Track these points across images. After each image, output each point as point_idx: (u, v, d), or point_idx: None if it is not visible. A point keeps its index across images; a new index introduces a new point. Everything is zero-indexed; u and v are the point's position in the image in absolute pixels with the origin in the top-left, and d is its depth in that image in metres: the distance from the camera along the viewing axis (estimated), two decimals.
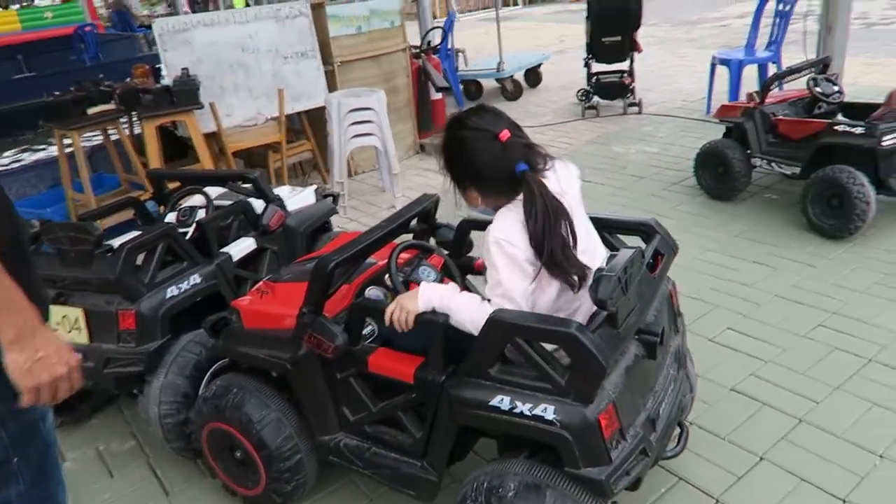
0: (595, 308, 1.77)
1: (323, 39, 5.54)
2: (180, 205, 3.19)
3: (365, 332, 2.11)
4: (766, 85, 4.37)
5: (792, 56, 5.83)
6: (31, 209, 4.53)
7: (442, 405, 1.85)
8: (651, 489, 2.23)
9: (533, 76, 8.58)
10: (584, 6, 6.84)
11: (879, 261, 3.53)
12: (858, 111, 4.00)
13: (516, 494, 1.69)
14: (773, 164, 4.18)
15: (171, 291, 2.53)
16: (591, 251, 1.88)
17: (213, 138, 5.12)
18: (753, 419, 2.56)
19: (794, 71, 4.38)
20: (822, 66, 4.37)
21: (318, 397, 2.12)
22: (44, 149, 6.61)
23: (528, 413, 1.68)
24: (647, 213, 4.23)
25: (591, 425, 1.63)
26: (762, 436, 2.46)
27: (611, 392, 1.67)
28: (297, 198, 3.29)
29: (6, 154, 6.89)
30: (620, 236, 2.28)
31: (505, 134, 1.76)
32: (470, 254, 2.53)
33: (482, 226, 2.11)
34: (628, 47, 6.62)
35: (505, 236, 1.74)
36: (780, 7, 6.05)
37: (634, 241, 2.20)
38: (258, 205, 3.05)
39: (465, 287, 2.37)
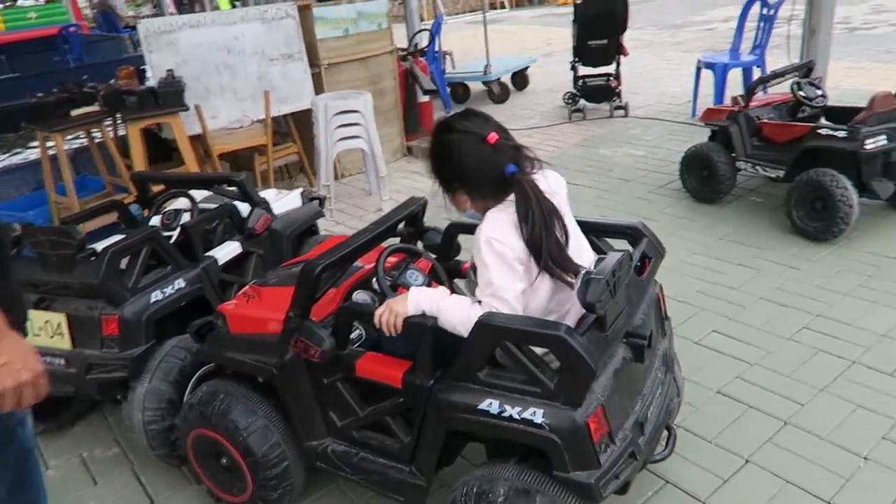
0: (583, 311, 1.78)
1: (310, 41, 5.52)
2: (165, 208, 3.16)
3: (352, 336, 2.10)
4: (750, 89, 4.41)
5: (776, 60, 5.89)
6: (13, 212, 4.46)
7: (430, 409, 1.84)
8: (638, 493, 2.23)
9: (520, 79, 8.60)
10: (570, 9, 6.87)
11: (863, 263, 3.57)
12: (841, 115, 4.05)
13: (506, 500, 1.69)
14: (757, 167, 4.21)
15: (156, 296, 2.50)
16: (578, 252, 1.89)
17: (198, 141, 5.08)
18: (739, 422, 2.57)
19: (779, 75, 4.43)
20: (805, 70, 4.42)
21: (304, 402, 2.10)
22: (24, 151, 6.53)
23: (517, 417, 1.68)
24: (634, 215, 4.27)
25: (580, 429, 1.62)
26: (748, 438, 2.47)
27: (599, 395, 1.67)
28: (283, 201, 3.27)
29: None
30: (608, 240, 2.29)
31: (493, 136, 1.78)
32: (457, 257, 2.52)
33: (470, 229, 2.11)
34: (614, 51, 6.66)
35: (496, 235, 1.74)
36: (765, 11, 6.11)
37: (622, 245, 2.21)
38: (244, 208, 3.03)
39: (453, 291, 2.37)
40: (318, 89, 5.55)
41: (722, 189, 4.41)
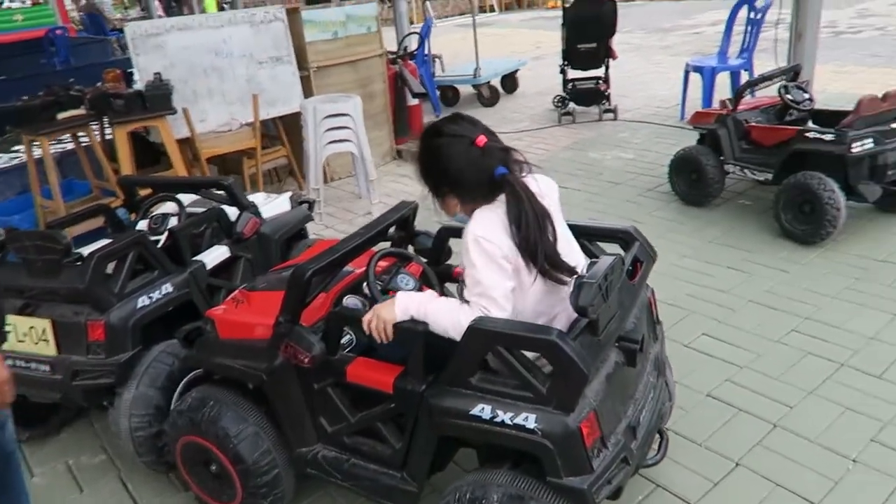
0: (575, 314, 1.78)
1: (298, 44, 5.50)
2: (152, 212, 3.14)
3: (343, 341, 2.09)
4: (738, 92, 4.44)
5: (763, 63, 5.94)
6: None
7: (422, 415, 1.83)
8: (629, 497, 2.23)
9: (509, 82, 8.61)
10: (559, 13, 6.89)
11: (850, 266, 3.59)
12: (828, 118, 4.08)
13: None
14: (745, 170, 4.23)
15: (143, 301, 2.47)
16: (568, 255, 1.89)
17: (186, 144, 5.05)
18: (729, 425, 2.58)
19: (766, 78, 4.46)
20: (792, 73, 4.46)
21: (295, 408, 2.08)
22: (9, 155, 6.45)
23: (509, 422, 1.67)
24: (623, 219, 4.28)
25: (573, 434, 1.62)
26: (738, 441, 2.48)
27: (592, 400, 1.67)
28: (272, 205, 3.26)
29: None
30: (600, 243, 2.29)
31: (482, 139, 1.78)
32: (449, 262, 2.51)
33: (460, 233, 2.09)
34: (603, 54, 6.69)
35: (483, 233, 1.73)
36: (752, 15, 6.16)
37: (613, 249, 2.21)
38: (232, 212, 3.01)
39: (444, 295, 2.36)
40: (307, 92, 5.53)
41: (711, 192, 4.43)
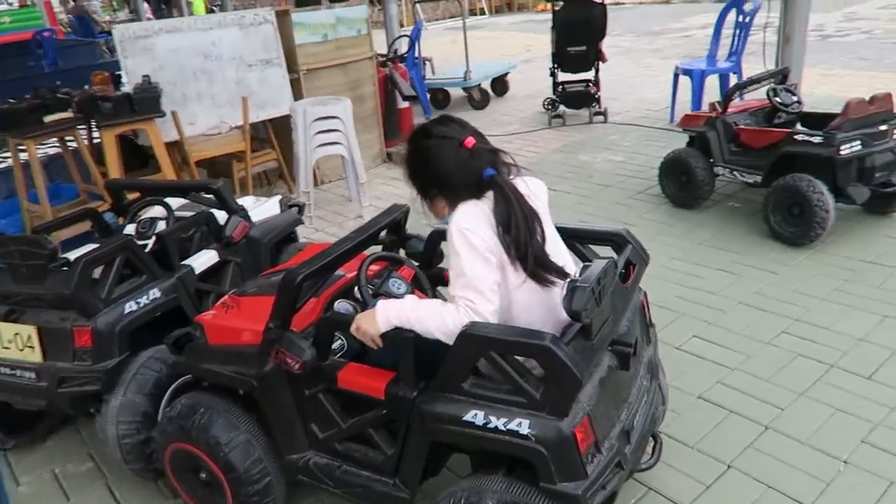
0: (565, 317, 1.77)
1: (288, 47, 5.48)
2: (140, 216, 3.11)
3: (334, 346, 2.07)
4: (727, 95, 4.46)
5: (752, 66, 5.97)
6: None
7: (414, 421, 1.82)
8: (622, 500, 2.22)
9: (500, 85, 8.62)
10: (549, 16, 6.90)
11: (839, 267, 3.61)
12: (817, 121, 4.10)
13: None
14: (735, 172, 4.25)
15: (130, 306, 2.44)
16: (555, 256, 1.88)
17: (175, 147, 5.01)
18: (720, 427, 2.58)
19: (755, 81, 4.48)
20: (781, 76, 4.48)
21: (285, 415, 2.06)
22: None
23: (502, 428, 1.66)
24: (614, 221, 4.28)
25: (567, 439, 1.61)
26: (729, 444, 2.48)
27: (585, 405, 1.66)
28: (262, 208, 3.24)
29: None
30: (592, 247, 2.28)
31: (470, 141, 1.78)
32: (441, 265, 2.50)
33: None
34: (593, 57, 6.70)
35: (468, 225, 1.72)
36: (741, 19, 6.20)
37: (605, 252, 2.21)
38: (221, 216, 2.98)
39: (436, 298, 2.34)
40: (297, 95, 5.51)
41: (700, 194, 4.44)
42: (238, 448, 2.06)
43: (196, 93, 5.14)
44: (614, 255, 2.07)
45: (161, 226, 2.96)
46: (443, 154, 1.79)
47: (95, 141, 5.11)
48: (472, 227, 1.72)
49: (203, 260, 2.83)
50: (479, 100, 8.07)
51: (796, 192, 3.73)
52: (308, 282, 1.96)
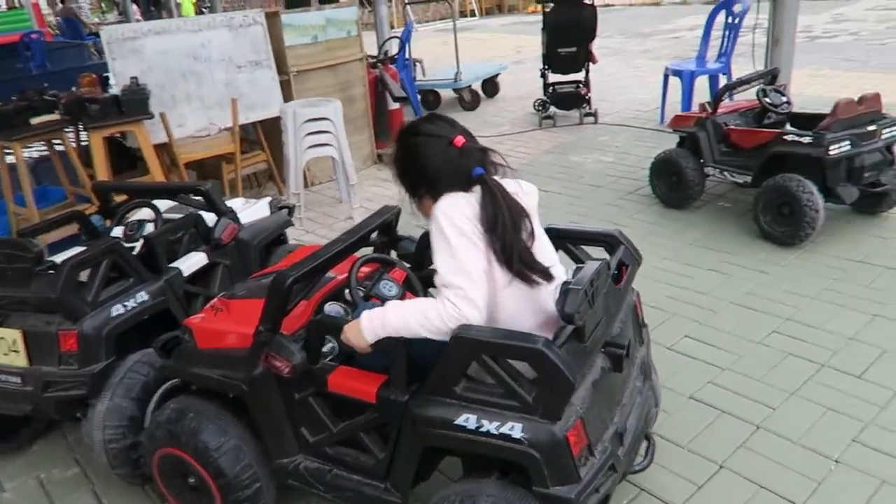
0: (552, 317, 1.76)
1: (278, 48, 5.45)
2: (127, 218, 3.08)
3: (325, 349, 2.05)
4: (717, 96, 4.47)
5: (741, 67, 5.99)
6: None
7: (406, 425, 1.80)
8: (614, 502, 2.21)
9: (490, 86, 8.63)
10: (539, 17, 6.91)
11: (829, 267, 3.63)
12: (806, 121, 4.12)
13: None
14: (725, 172, 4.26)
15: (117, 310, 2.41)
16: (542, 256, 1.86)
17: (164, 149, 4.98)
18: (712, 427, 2.57)
19: (744, 82, 4.49)
20: (770, 77, 4.50)
21: (275, 419, 2.04)
22: None
23: (494, 432, 1.65)
24: (604, 222, 4.29)
25: (560, 443, 1.60)
26: (721, 443, 2.48)
27: (578, 408, 1.65)
28: (251, 210, 3.21)
29: None
30: (584, 247, 2.27)
31: (460, 140, 1.77)
32: (432, 266, 2.48)
33: None
34: (583, 58, 6.71)
35: (453, 212, 1.69)
36: (730, 20, 6.22)
37: (597, 253, 2.20)
38: (210, 218, 2.95)
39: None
40: (287, 97, 5.48)
41: (691, 195, 4.45)
42: (228, 453, 2.03)
43: (185, 94, 5.10)
44: (607, 256, 2.06)
45: (149, 228, 2.93)
46: (431, 152, 1.78)
47: (83, 143, 5.06)
48: (456, 212, 1.69)
49: (192, 262, 2.80)
50: (469, 101, 8.07)
51: (786, 192, 3.75)
52: (298, 284, 1.94)
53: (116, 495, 2.52)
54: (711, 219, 4.37)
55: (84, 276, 2.46)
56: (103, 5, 18.88)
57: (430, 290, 2.43)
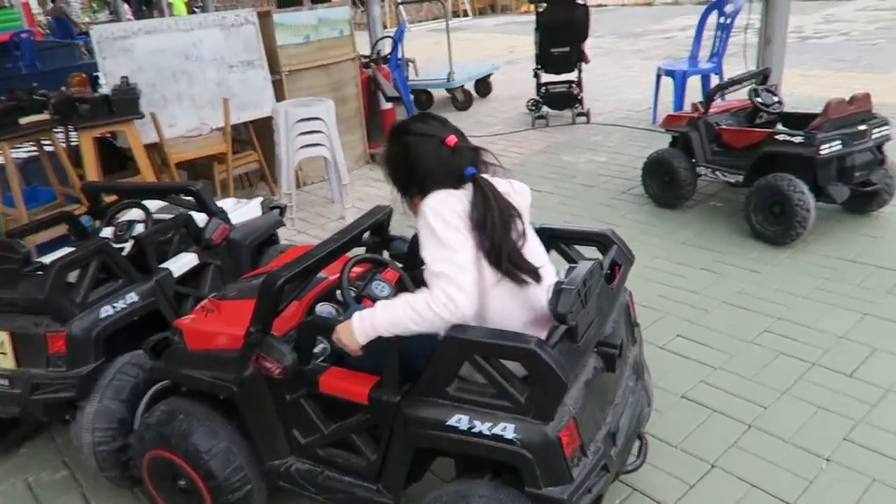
0: (543, 315, 1.76)
1: (270, 48, 5.42)
2: (117, 219, 3.05)
3: (316, 350, 2.03)
4: (709, 95, 4.48)
5: (733, 67, 6.01)
6: None
7: (397, 426, 1.79)
8: (607, 502, 2.21)
9: (483, 86, 8.63)
10: (532, 18, 6.92)
11: (820, 266, 3.64)
12: (797, 121, 4.14)
13: None
14: (717, 172, 4.27)
15: (106, 311, 2.39)
16: (531, 257, 1.85)
17: (154, 149, 4.94)
18: (704, 426, 2.58)
19: (736, 82, 4.51)
20: (762, 77, 4.51)
21: (266, 420, 2.03)
22: None
23: (487, 432, 1.64)
24: (597, 221, 4.29)
25: (552, 443, 1.59)
26: (713, 443, 2.48)
27: (571, 408, 1.64)
28: (242, 210, 3.19)
29: None
30: (577, 247, 2.27)
31: (452, 139, 1.76)
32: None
33: None
34: (576, 58, 6.73)
35: (441, 206, 1.68)
36: (722, 20, 6.24)
37: (590, 252, 2.20)
38: (201, 218, 2.94)
39: None
40: (279, 96, 5.46)
41: (683, 194, 4.46)
42: (218, 455, 2.02)
43: (176, 94, 5.07)
44: (599, 256, 2.06)
45: (139, 229, 2.91)
46: (423, 152, 1.77)
47: (73, 143, 5.03)
48: (446, 206, 1.68)
49: (182, 263, 2.78)
50: (462, 101, 8.07)
51: (777, 191, 3.76)
52: (289, 285, 1.93)
53: (105, 498, 2.50)
54: (703, 218, 4.38)
55: (73, 277, 2.44)
56: (94, 5, 18.78)
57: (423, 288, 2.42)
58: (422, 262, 1.70)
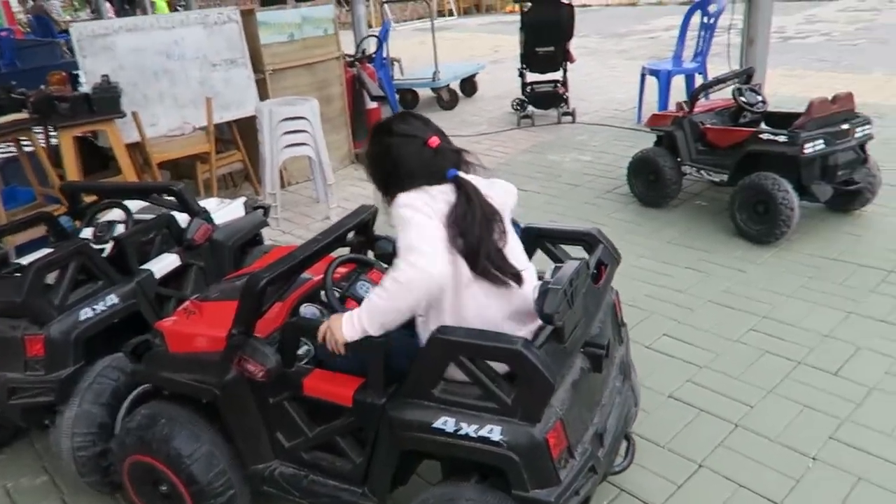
0: (524, 314, 1.74)
1: (254, 47, 5.37)
2: (97, 219, 3.00)
3: (300, 352, 2.01)
4: (694, 95, 4.50)
5: (717, 67, 6.04)
6: None
7: (383, 428, 1.77)
8: (594, 502, 2.20)
9: (468, 86, 8.62)
10: (517, 17, 6.91)
11: (804, 265, 3.66)
12: (781, 120, 4.16)
13: None
14: (702, 171, 4.29)
15: (85, 313, 2.35)
16: (513, 259, 1.84)
17: (136, 149, 4.88)
18: (691, 426, 2.58)
19: (720, 81, 4.53)
20: (745, 76, 4.54)
21: (250, 424, 1.99)
22: None
23: (473, 435, 1.62)
24: (583, 221, 4.29)
25: (539, 445, 1.58)
26: (700, 442, 2.48)
27: (558, 409, 1.63)
28: (225, 210, 3.15)
29: None
30: (563, 246, 2.26)
31: (434, 140, 1.75)
32: None
33: None
34: (561, 57, 6.73)
35: (414, 202, 1.68)
36: (705, 20, 6.28)
37: (576, 252, 2.19)
38: (183, 218, 2.89)
39: None
40: (263, 95, 5.41)
41: (668, 193, 4.47)
42: (201, 460, 1.98)
43: (158, 93, 5.01)
44: (585, 255, 2.05)
45: (120, 229, 2.86)
46: (405, 153, 1.76)
47: (53, 142, 4.95)
48: (419, 200, 1.68)
49: (164, 264, 2.74)
50: (447, 100, 8.05)
51: (762, 190, 3.78)
52: (272, 286, 1.90)
53: None
54: (689, 217, 4.40)
55: (52, 279, 2.39)
56: (75, 3, 18.52)
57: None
58: None
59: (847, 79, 7.25)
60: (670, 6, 15.25)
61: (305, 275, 2.18)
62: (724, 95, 4.68)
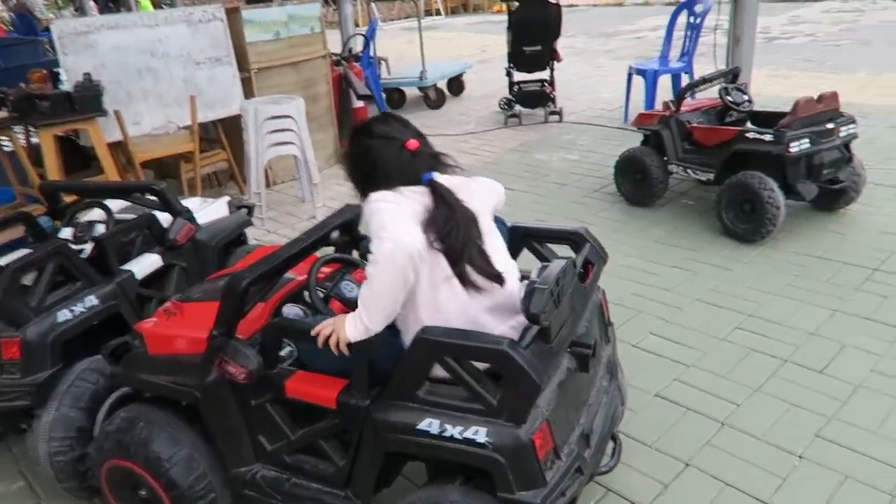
0: (508, 312, 1.73)
1: (239, 45, 5.32)
2: (77, 219, 2.95)
3: (283, 353, 1.97)
4: (680, 94, 4.51)
5: (703, 67, 6.07)
6: None
7: (367, 431, 1.74)
8: (580, 502, 2.19)
9: (456, 85, 8.60)
10: (505, 17, 6.90)
11: (790, 263, 3.67)
12: (767, 119, 4.17)
13: None
14: (688, 170, 4.29)
15: (64, 315, 2.31)
16: (495, 260, 1.82)
17: (119, 148, 4.82)
18: (678, 425, 2.57)
19: (706, 80, 4.54)
20: (731, 75, 4.55)
21: (231, 426, 1.96)
22: None
23: (458, 436, 1.60)
24: (570, 220, 4.28)
25: (525, 447, 1.56)
26: (687, 442, 2.48)
27: (544, 410, 1.61)
28: (208, 210, 3.11)
29: None
30: (550, 245, 2.24)
31: (413, 143, 1.75)
32: None
33: None
34: (548, 57, 6.73)
35: (388, 196, 1.68)
36: (692, 20, 6.30)
37: (563, 251, 2.17)
38: (165, 218, 2.85)
39: None
40: (248, 94, 5.36)
41: (655, 192, 4.47)
42: (180, 463, 1.95)
43: (141, 91, 4.95)
44: (572, 254, 2.03)
45: (100, 229, 2.82)
46: (384, 155, 1.76)
47: (34, 141, 4.88)
48: (389, 196, 1.68)
49: (145, 264, 2.70)
50: (434, 99, 8.03)
51: (748, 189, 3.78)
52: (255, 286, 1.87)
53: None
54: (675, 216, 4.40)
55: (30, 280, 2.35)
56: (59, 1, 18.32)
57: None
58: None
59: (831, 79, 7.30)
60: (657, 6, 15.33)
61: (289, 274, 2.16)
62: (710, 95, 4.69)
